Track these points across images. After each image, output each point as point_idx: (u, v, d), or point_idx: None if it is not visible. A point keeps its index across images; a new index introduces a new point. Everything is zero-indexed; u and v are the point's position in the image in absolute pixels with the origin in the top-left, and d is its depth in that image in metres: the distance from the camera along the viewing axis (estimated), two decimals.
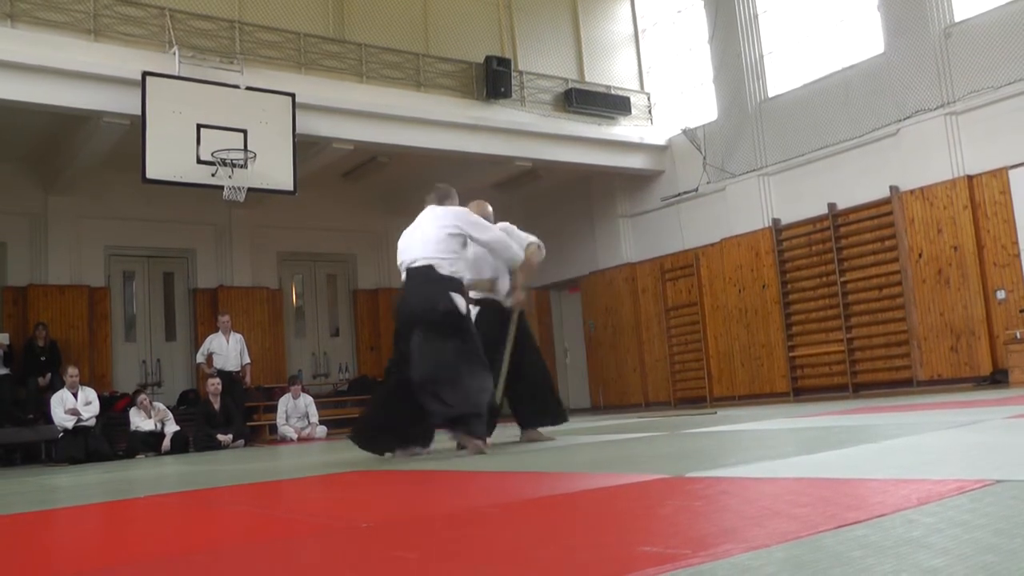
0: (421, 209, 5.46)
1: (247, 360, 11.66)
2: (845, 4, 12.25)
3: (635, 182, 14.86)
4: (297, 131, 10.80)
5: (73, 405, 9.96)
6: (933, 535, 1.50)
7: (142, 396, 10.78)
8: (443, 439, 5.50)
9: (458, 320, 5.05)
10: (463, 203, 5.61)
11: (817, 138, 12.09)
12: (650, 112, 14.95)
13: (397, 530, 2.27)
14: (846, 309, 11.76)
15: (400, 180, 14.63)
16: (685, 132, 14.04)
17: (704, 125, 13.85)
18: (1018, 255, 10.10)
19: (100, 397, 10.63)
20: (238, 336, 11.71)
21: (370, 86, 12.02)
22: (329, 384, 14.92)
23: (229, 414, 10.88)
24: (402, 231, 5.42)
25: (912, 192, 10.92)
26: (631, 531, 1.95)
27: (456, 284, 5.13)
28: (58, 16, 9.97)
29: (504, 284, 5.79)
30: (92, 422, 9.98)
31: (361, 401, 14.47)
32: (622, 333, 15.02)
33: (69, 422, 9.81)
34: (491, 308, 5.77)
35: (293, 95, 10.80)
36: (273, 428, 12.42)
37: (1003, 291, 10.19)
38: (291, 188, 10.84)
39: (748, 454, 3.71)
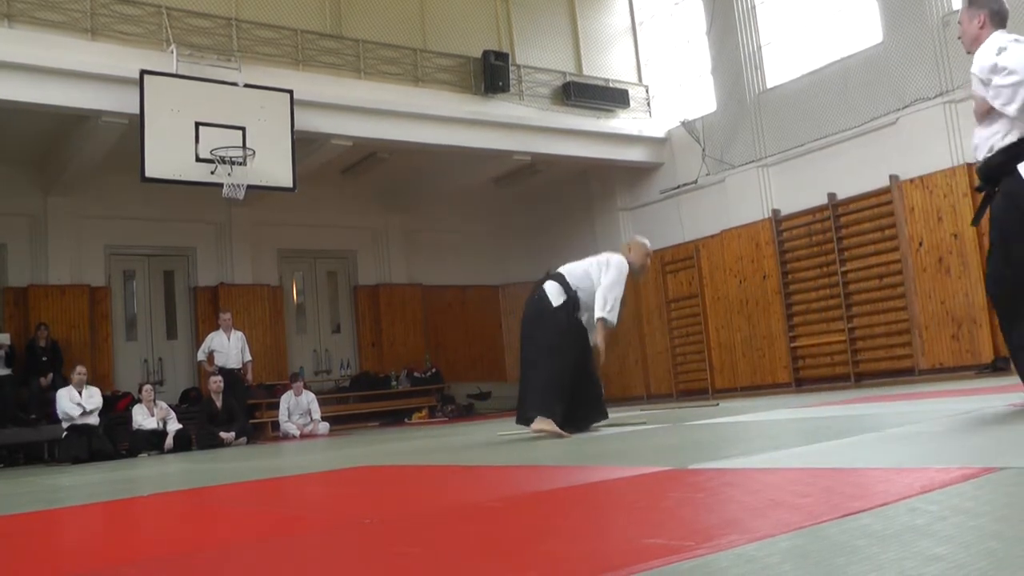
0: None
1: (248, 358, 11.65)
2: None
3: (634, 175, 14.85)
4: (296, 127, 10.79)
5: (79, 401, 9.96)
6: (937, 523, 1.50)
7: (146, 388, 10.78)
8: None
9: None
10: None
11: (816, 128, 12.07)
12: (648, 105, 14.93)
13: (400, 526, 2.28)
14: (847, 299, 11.75)
15: (400, 175, 14.62)
16: (684, 124, 14.02)
17: (703, 117, 13.82)
18: None
19: (102, 397, 10.62)
20: (239, 334, 11.71)
21: (368, 82, 12.01)
22: (331, 381, 14.93)
23: (231, 412, 10.88)
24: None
25: (912, 181, 10.90)
26: (635, 523, 1.95)
27: None
28: (55, 16, 9.96)
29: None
30: (95, 420, 9.99)
31: (363, 398, 14.53)
32: (623, 326, 14.98)
33: (75, 411, 9.81)
34: None
35: (291, 92, 10.79)
36: (276, 425, 12.44)
37: None
38: (290, 185, 10.83)
39: (751, 445, 3.71)
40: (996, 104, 3.71)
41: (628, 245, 6.22)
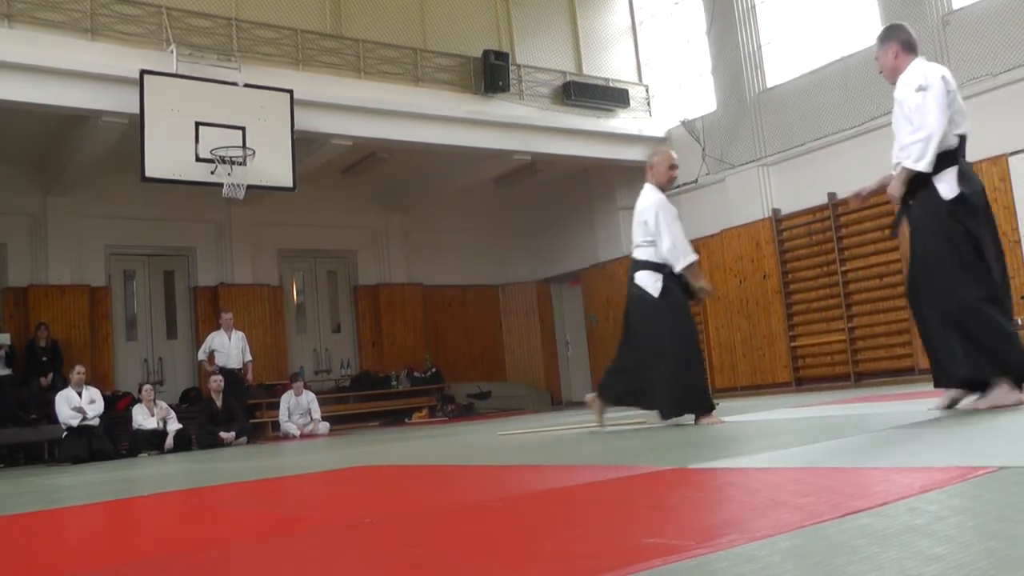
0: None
1: (249, 358, 11.64)
2: None
3: (634, 174, 14.78)
4: (296, 127, 10.79)
5: (78, 403, 9.95)
6: (936, 523, 1.50)
7: (146, 387, 10.78)
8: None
9: None
10: None
11: (816, 128, 12.07)
12: (648, 104, 14.93)
13: (400, 525, 2.28)
14: (847, 298, 11.75)
15: (400, 175, 14.62)
16: (684, 124, 14.02)
17: (703, 116, 13.82)
18: (1019, 241, 10.09)
19: (103, 397, 10.62)
20: (240, 334, 11.71)
21: (368, 81, 12.01)
22: (331, 380, 14.93)
23: (232, 412, 10.88)
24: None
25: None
26: (635, 523, 1.95)
27: None
28: (55, 15, 9.96)
29: None
30: (96, 421, 9.98)
31: (363, 397, 14.53)
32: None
33: (74, 419, 9.81)
34: None
35: (291, 91, 10.79)
36: (276, 425, 12.44)
37: None
38: (290, 184, 10.83)
39: (751, 445, 3.71)
40: (908, 163, 4.08)
41: (648, 166, 5.94)
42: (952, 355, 3.99)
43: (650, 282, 5.53)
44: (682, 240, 5.54)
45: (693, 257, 5.50)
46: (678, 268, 5.45)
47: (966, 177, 4.10)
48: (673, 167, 5.86)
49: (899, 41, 4.33)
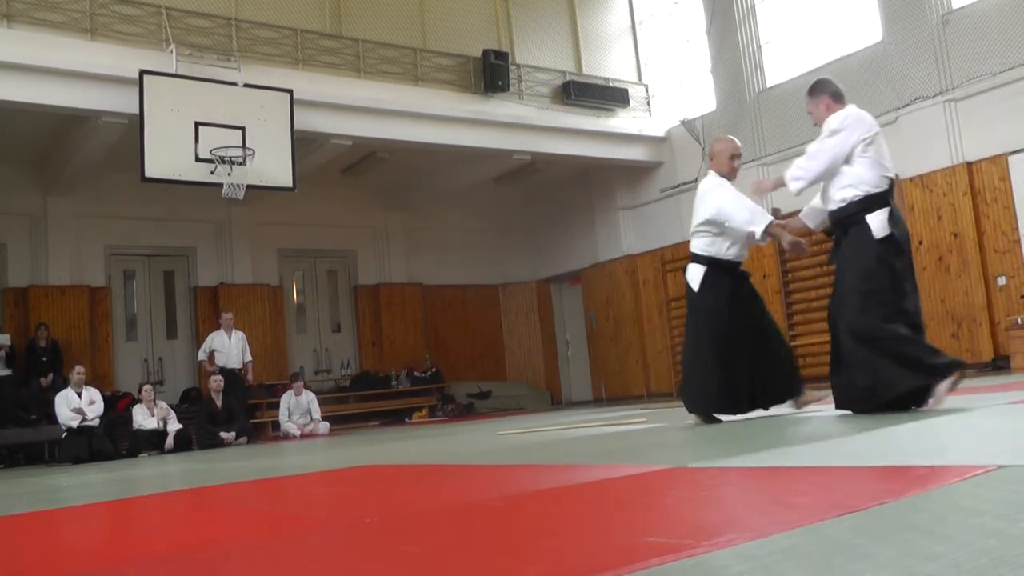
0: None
1: (249, 358, 11.64)
2: None
3: (634, 174, 14.84)
4: (295, 127, 10.79)
5: (78, 404, 9.95)
6: (935, 522, 1.51)
7: (146, 388, 10.77)
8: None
9: None
10: None
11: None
12: (648, 104, 14.93)
13: (401, 525, 2.28)
14: None
15: (400, 175, 14.62)
16: (684, 123, 14.02)
17: (702, 116, 13.82)
18: (1018, 241, 10.09)
19: (102, 397, 10.62)
20: (240, 334, 11.70)
21: (368, 81, 12.01)
22: (331, 380, 14.93)
23: (232, 412, 10.88)
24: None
25: (911, 179, 10.90)
26: (635, 521, 1.96)
27: None
28: (55, 16, 9.96)
29: None
30: (96, 422, 9.98)
31: (363, 397, 14.54)
32: (623, 325, 15.02)
33: (74, 421, 9.81)
34: None
35: (291, 91, 10.79)
36: (276, 425, 12.44)
37: (1004, 277, 10.18)
38: (290, 184, 10.83)
39: (750, 444, 3.71)
40: (786, 174, 4.61)
41: (709, 155, 5.68)
42: (887, 372, 4.21)
43: (694, 275, 5.46)
44: (752, 207, 5.29)
45: (768, 219, 5.17)
46: (758, 234, 5.20)
47: (896, 220, 4.42)
48: (735, 156, 5.57)
49: (829, 94, 4.63)
